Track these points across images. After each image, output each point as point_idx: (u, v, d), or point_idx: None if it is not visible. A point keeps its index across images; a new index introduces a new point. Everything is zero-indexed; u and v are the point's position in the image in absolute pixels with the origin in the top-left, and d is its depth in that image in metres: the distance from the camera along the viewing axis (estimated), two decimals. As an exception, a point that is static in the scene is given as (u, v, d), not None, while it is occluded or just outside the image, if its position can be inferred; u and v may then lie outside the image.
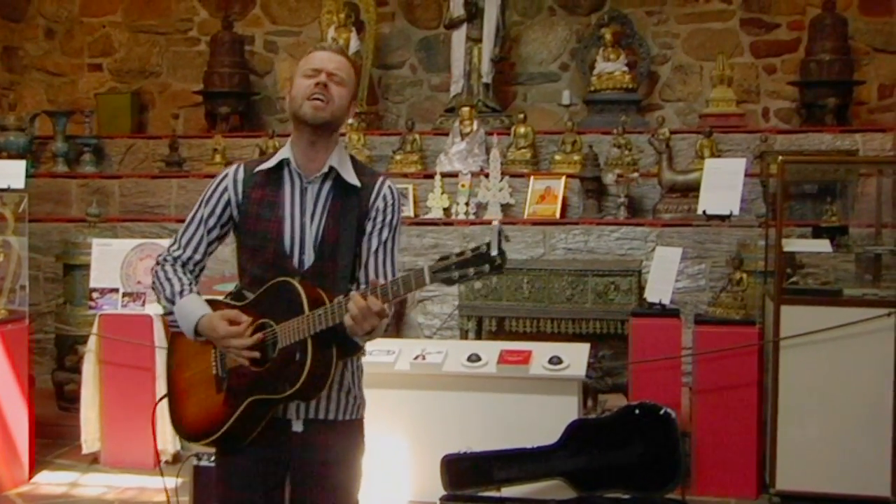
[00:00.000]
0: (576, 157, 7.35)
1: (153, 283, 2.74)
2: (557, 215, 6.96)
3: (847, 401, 4.76)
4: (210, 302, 2.68)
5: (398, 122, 8.69)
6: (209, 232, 2.73)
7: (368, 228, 2.66)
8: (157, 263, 2.75)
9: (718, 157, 6.89)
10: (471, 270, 2.33)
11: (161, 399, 2.87)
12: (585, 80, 8.36)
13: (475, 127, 7.55)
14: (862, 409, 4.75)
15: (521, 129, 7.60)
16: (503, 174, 7.11)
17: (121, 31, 9.45)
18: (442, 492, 4.54)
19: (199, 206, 2.74)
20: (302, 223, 2.64)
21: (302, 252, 2.63)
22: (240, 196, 2.70)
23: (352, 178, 2.66)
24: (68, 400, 6.20)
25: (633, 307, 5.52)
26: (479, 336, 6.08)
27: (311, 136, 2.66)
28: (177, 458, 5.39)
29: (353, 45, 8.27)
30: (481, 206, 7.10)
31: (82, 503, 5.05)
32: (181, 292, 2.67)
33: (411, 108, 8.97)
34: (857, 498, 4.77)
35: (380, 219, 2.67)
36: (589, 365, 4.83)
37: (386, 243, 2.67)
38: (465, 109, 7.66)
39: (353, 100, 2.71)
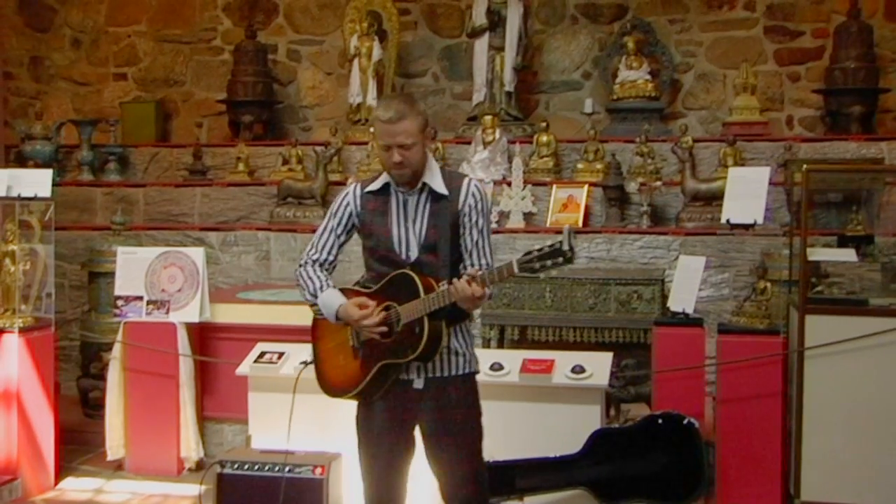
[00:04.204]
0: (598, 166, 7.35)
1: (297, 281, 3.46)
2: (580, 224, 6.94)
3: (872, 411, 4.72)
4: (344, 290, 3.39)
5: (420, 131, 8.69)
6: (338, 237, 3.47)
7: (466, 223, 3.33)
8: (300, 266, 3.46)
9: (742, 165, 6.86)
10: (548, 262, 3.01)
11: (306, 364, 3.71)
12: (608, 88, 8.35)
13: (497, 135, 7.56)
14: (887, 420, 4.70)
15: (544, 138, 7.60)
16: (525, 182, 7.11)
17: (145, 40, 9.53)
18: (464, 500, 4.52)
19: (329, 218, 3.47)
20: (406, 227, 3.34)
21: (408, 249, 3.33)
22: (358, 208, 3.42)
23: (441, 188, 3.33)
24: (93, 407, 6.25)
25: (656, 316, 5.50)
26: (501, 345, 6.07)
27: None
28: (200, 466, 5.42)
29: (376, 53, 8.31)
30: (503, 215, 7.09)
31: (107, 510, 5.10)
32: (321, 287, 3.38)
33: (434, 116, 8.95)
34: (882, 509, 4.72)
35: (473, 214, 3.34)
36: (612, 374, 4.80)
37: (483, 231, 3.35)
38: (488, 118, 7.67)
39: (425, 138, 3.30)
